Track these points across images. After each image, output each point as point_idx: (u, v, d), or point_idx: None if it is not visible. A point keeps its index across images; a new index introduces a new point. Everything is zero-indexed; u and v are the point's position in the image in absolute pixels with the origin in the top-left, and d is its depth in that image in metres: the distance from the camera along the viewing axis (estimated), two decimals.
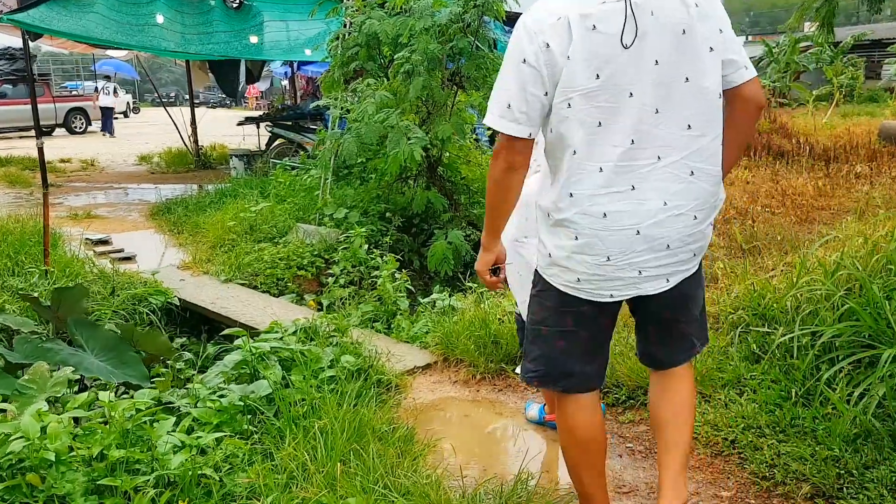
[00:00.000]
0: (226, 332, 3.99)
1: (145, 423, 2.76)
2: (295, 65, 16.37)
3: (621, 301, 2.18)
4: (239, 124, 13.53)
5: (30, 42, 7.37)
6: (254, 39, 11.79)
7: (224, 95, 22.80)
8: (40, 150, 11.53)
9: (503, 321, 4.45)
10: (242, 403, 3.06)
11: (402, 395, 3.79)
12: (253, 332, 4.46)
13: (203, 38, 9.58)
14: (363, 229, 6.60)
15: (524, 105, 1.98)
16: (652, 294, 2.13)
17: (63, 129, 23.54)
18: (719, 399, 3.41)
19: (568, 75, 1.93)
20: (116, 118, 26.24)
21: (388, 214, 7.61)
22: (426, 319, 4.71)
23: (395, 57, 7.10)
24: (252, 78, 16.56)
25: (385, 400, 3.56)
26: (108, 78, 27.24)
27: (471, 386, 3.92)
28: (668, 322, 2.27)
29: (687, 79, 1.98)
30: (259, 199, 8.23)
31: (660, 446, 2.35)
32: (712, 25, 2.01)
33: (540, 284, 2.23)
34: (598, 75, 1.93)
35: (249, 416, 3.12)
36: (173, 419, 2.83)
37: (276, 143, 12.25)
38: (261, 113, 15.76)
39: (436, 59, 7.03)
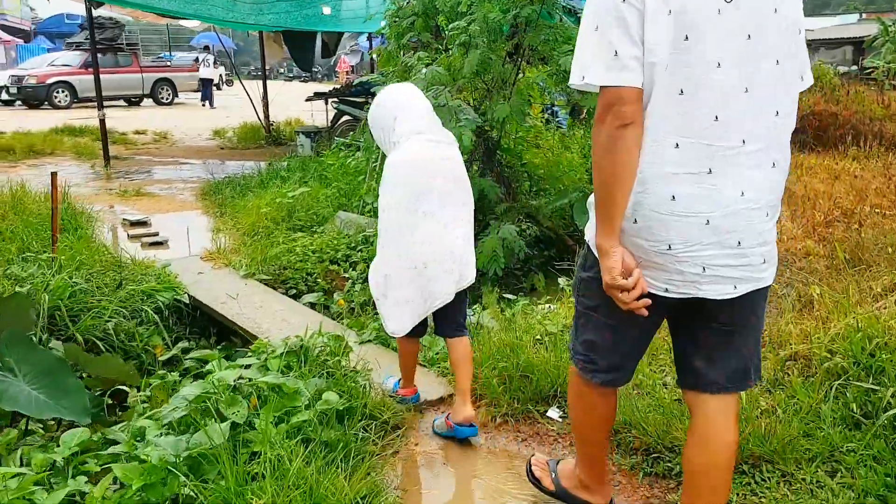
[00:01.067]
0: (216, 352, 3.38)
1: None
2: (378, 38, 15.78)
3: (678, 301, 1.93)
4: (307, 100, 13.03)
5: (116, 15, 6.96)
6: (326, 11, 11.22)
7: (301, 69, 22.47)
8: (102, 123, 11.58)
9: (540, 345, 3.71)
10: (176, 459, 2.44)
11: (403, 439, 3.11)
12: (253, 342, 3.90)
13: (261, 8, 9.04)
14: None
15: (634, 48, 1.77)
16: (713, 300, 1.89)
17: (150, 100, 23.76)
18: (803, 479, 2.59)
19: (658, 26, 1.76)
20: None
21: None
22: None
23: (450, 27, 6.36)
24: (328, 52, 16.08)
25: (372, 452, 2.89)
26: (206, 49, 27.51)
27: (488, 431, 3.20)
28: (729, 334, 2.00)
29: (777, 61, 1.85)
30: (299, 183, 7.65)
31: (690, 494, 2.11)
32: (798, 14, 1.90)
33: (594, 265, 2.00)
34: (686, 36, 1.77)
35: (193, 473, 2.50)
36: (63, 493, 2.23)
37: (342, 119, 11.68)
38: (330, 88, 15.21)
39: (497, 30, 6.25)
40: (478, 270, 3.32)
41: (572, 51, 6.33)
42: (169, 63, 26.06)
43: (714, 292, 1.88)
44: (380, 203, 3.02)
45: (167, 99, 24.27)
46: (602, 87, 1.80)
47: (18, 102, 21.70)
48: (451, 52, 6.66)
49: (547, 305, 5.26)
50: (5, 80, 21.62)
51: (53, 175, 5.02)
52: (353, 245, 6.07)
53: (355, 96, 11.94)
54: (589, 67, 1.80)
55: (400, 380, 3.37)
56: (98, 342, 4.47)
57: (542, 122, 8.76)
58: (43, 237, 5.46)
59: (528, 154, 7.50)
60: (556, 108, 9.74)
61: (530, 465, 2.65)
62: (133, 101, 23.72)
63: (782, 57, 1.85)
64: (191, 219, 7.66)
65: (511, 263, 6.19)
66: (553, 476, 2.58)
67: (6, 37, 31.58)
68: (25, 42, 33.87)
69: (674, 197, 1.81)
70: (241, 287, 5.02)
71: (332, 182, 7.42)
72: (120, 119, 16.84)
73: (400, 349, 3.29)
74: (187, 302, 4.81)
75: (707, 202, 1.81)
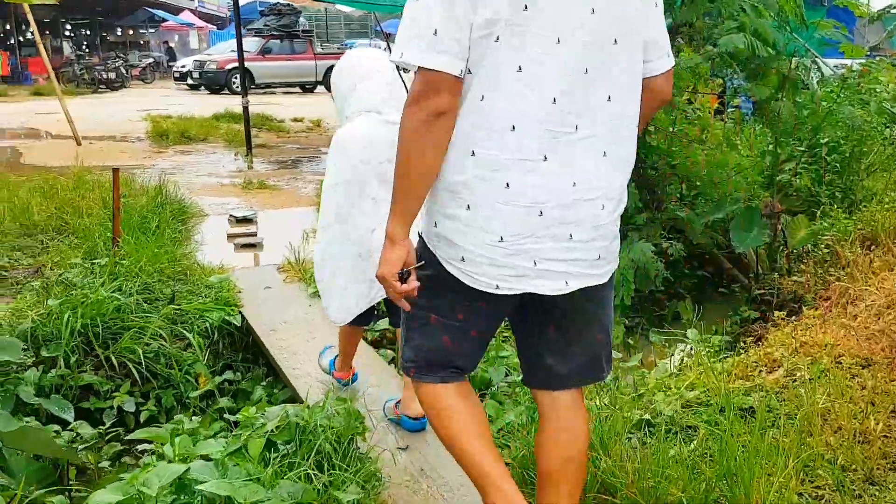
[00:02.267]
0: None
1: None
2: None
3: (514, 297, 1.82)
4: None
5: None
6: None
7: None
8: (245, 110, 11.45)
9: (646, 436, 2.65)
10: None
11: None
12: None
13: None
14: None
15: (455, 30, 1.63)
16: (547, 296, 1.80)
17: (323, 87, 24.07)
18: None
19: None
20: None
21: None
22: (523, 408, 2.99)
23: None
24: None
25: None
26: (388, 36, 27.63)
27: None
28: (571, 330, 1.91)
29: (616, 41, 1.73)
30: None
31: (547, 492, 1.98)
32: None
33: (430, 264, 1.83)
34: (525, 6, 1.64)
35: None
36: None
37: None
38: None
39: None
40: None
41: (737, 29, 5.14)
42: (348, 50, 26.28)
43: (546, 287, 1.79)
44: (325, 179, 2.85)
45: None
46: (419, 68, 1.66)
47: (203, 87, 22.68)
48: None
49: (679, 355, 4.10)
50: (190, 66, 22.66)
51: (115, 171, 4.51)
52: None
53: None
54: (407, 44, 1.67)
55: (336, 357, 3.31)
56: (134, 368, 3.89)
57: (711, 112, 7.39)
58: (131, 236, 5.00)
59: (685, 152, 6.23)
60: (743, 96, 8.27)
61: None
62: (307, 88, 24.13)
63: (623, 38, 1.74)
64: (303, 216, 7.06)
65: (645, 290, 5.05)
66: None
67: (200, 23, 33.48)
68: (220, 29, 35.80)
69: (508, 185, 1.71)
70: (302, 310, 4.26)
71: None
72: (284, 106, 16.98)
73: (340, 331, 3.14)
74: (238, 324, 4.12)
75: (542, 192, 1.72)
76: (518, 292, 1.79)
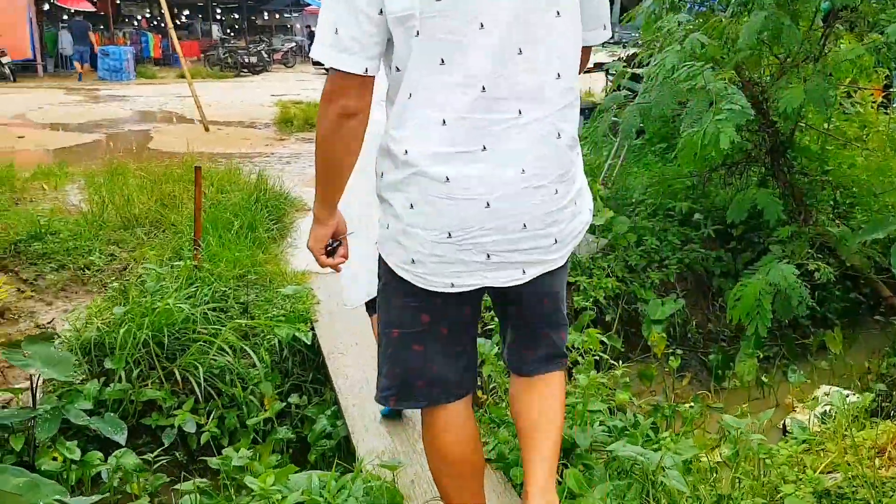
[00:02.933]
0: None
1: None
2: None
3: (471, 292, 1.77)
4: (586, 72, 11.46)
5: None
6: None
7: None
8: None
9: None
10: None
11: None
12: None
13: None
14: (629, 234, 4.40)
15: (355, 28, 1.58)
16: (505, 287, 1.77)
17: None
18: None
19: None
20: None
21: (696, 217, 5.17)
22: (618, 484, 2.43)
23: None
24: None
25: None
26: None
27: None
28: (530, 324, 1.92)
29: (558, 13, 1.65)
30: None
31: (525, 453, 1.95)
32: None
33: (385, 274, 1.82)
34: None
35: None
36: None
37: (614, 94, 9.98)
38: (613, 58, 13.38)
39: None
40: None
41: None
42: None
43: (501, 279, 1.75)
44: None
45: None
46: (328, 67, 1.60)
47: None
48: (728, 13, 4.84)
49: (822, 408, 3.40)
50: None
51: (197, 170, 4.26)
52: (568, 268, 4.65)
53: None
54: (317, 42, 1.61)
55: None
56: (197, 385, 3.62)
57: (874, 108, 6.39)
58: (216, 236, 4.78)
59: (841, 155, 5.36)
60: None
61: None
62: None
63: (565, 10, 1.64)
64: None
65: (785, 320, 4.32)
66: None
67: None
68: None
69: (447, 178, 1.64)
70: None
71: None
72: None
73: (372, 328, 2.89)
74: (308, 342, 3.76)
75: (484, 183, 1.65)
76: (473, 288, 1.76)
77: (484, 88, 1.61)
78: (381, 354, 1.90)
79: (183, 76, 21.52)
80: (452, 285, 1.73)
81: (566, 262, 1.87)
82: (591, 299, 4.57)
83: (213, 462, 2.99)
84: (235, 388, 3.59)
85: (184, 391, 3.63)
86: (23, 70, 20.26)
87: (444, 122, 1.62)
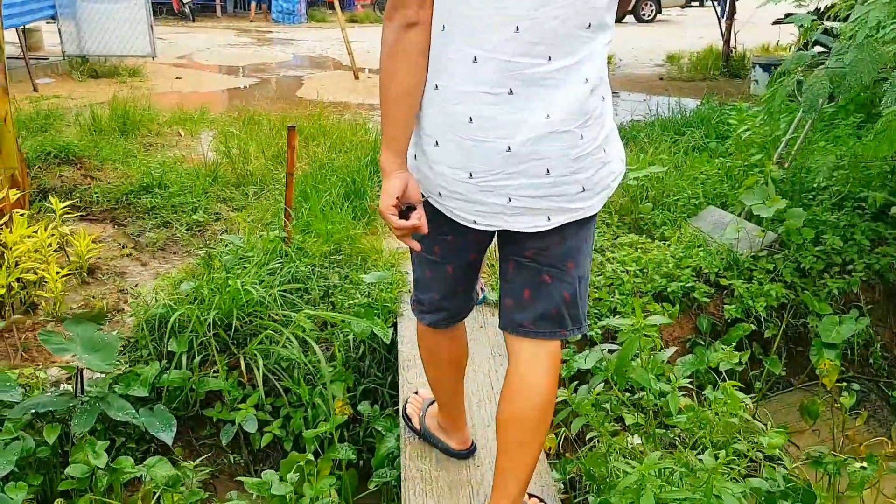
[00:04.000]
0: None
1: None
2: None
3: (491, 234, 1.86)
4: (775, 23, 10.07)
5: None
6: None
7: None
8: None
9: None
10: None
11: None
12: None
13: None
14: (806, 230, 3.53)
15: None
16: (524, 233, 1.75)
17: (631, 17, 22.24)
18: None
19: None
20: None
21: (894, 212, 4.17)
22: None
23: None
24: None
25: None
26: None
27: None
28: (538, 272, 1.84)
29: None
30: (685, 147, 5.36)
31: (499, 449, 1.96)
32: None
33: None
34: None
35: None
36: None
37: (815, 50, 8.63)
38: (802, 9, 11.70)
39: None
40: None
41: None
42: None
43: (523, 224, 1.74)
44: None
45: (649, 16, 22.47)
46: None
47: None
48: None
49: None
50: None
51: (290, 130, 3.79)
52: (713, 268, 3.84)
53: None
54: None
55: None
56: (263, 378, 3.21)
57: None
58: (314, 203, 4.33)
59: None
60: None
61: (406, 402, 2.66)
62: (617, 19, 22.45)
63: None
64: None
65: None
66: (421, 415, 2.56)
67: None
68: None
69: (471, 119, 1.65)
70: (476, 342, 3.23)
71: (722, 153, 5.04)
72: None
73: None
74: (387, 342, 3.23)
75: (508, 127, 1.64)
76: (494, 229, 1.79)
77: (517, 29, 1.57)
78: (412, 267, 2.08)
79: (354, 20, 21.63)
80: (475, 222, 1.76)
81: (589, 226, 1.83)
82: (748, 309, 3.74)
83: (250, 485, 2.55)
84: (301, 387, 3.14)
85: (251, 382, 3.24)
86: (202, 10, 21.00)
87: (476, 59, 1.60)
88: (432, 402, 2.54)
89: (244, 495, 2.82)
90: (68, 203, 4.36)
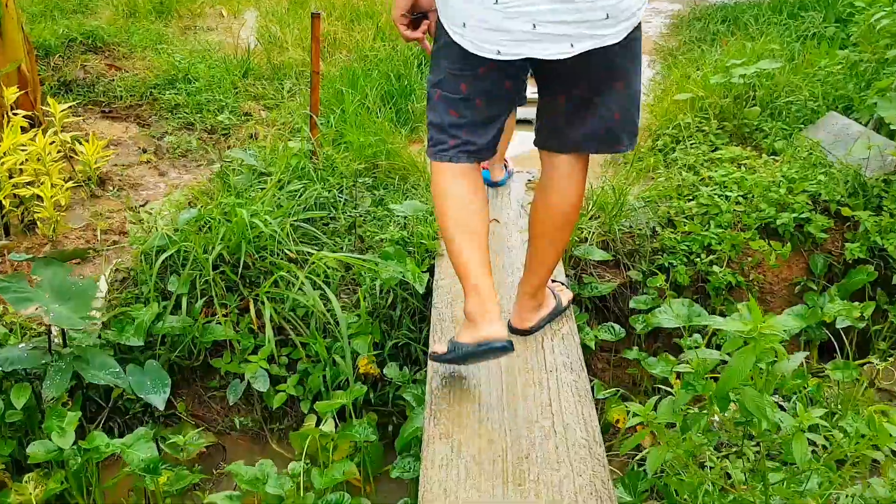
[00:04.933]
0: None
1: None
2: None
3: (524, 63, 1.85)
4: None
5: None
6: None
7: None
8: None
9: None
10: None
11: None
12: None
13: None
14: None
15: None
16: (554, 62, 1.75)
17: None
18: None
19: None
20: None
21: None
22: None
23: None
24: None
25: None
26: None
27: None
28: (582, 99, 1.91)
29: None
30: (783, 41, 4.39)
31: (530, 244, 2.13)
32: None
33: (442, 36, 1.89)
34: None
35: None
36: None
37: None
38: None
39: None
40: None
41: None
42: None
43: (548, 52, 1.74)
44: None
45: None
46: None
47: None
48: None
49: None
50: None
51: (314, 18, 3.11)
52: (833, 196, 3.08)
53: None
54: None
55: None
56: (284, 324, 2.70)
57: None
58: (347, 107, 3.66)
59: None
60: None
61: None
62: None
63: None
64: None
65: None
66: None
67: None
68: None
69: None
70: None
71: (845, 43, 4.10)
72: None
73: None
74: (422, 291, 2.63)
75: None
76: (519, 58, 1.77)
77: None
78: (428, 108, 2.00)
79: None
80: (499, 52, 1.76)
81: (630, 53, 1.84)
82: (874, 247, 3.00)
83: (241, 480, 2.07)
84: (318, 341, 2.62)
85: (263, 330, 2.73)
86: None
87: None
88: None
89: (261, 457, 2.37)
90: (76, 102, 3.83)
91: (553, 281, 2.35)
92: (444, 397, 2.07)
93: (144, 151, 4.10)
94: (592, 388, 2.22)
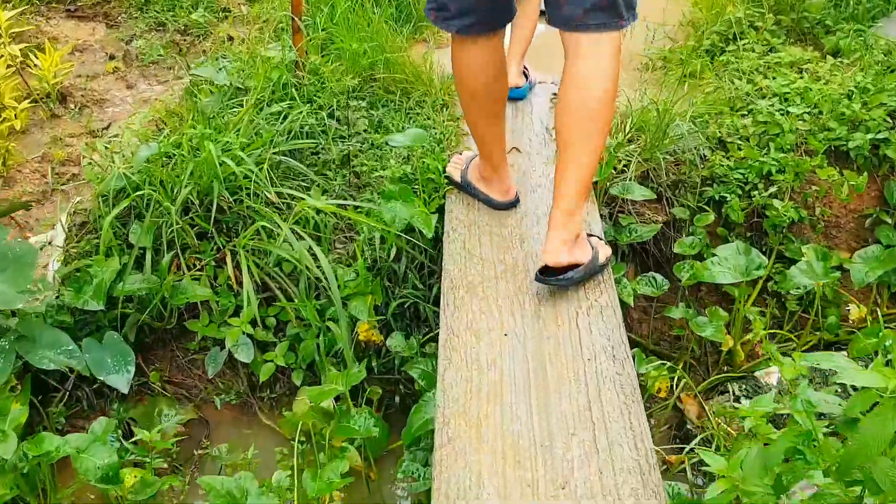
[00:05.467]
0: None
1: None
2: None
3: None
4: None
5: None
6: None
7: None
8: None
9: None
10: None
11: None
12: None
13: None
14: None
15: None
16: None
17: None
18: None
19: None
20: None
21: None
22: None
23: None
24: None
25: None
26: None
27: None
28: None
29: None
30: None
31: (559, 148, 1.91)
32: None
33: None
34: None
35: None
36: None
37: None
38: None
39: None
40: None
41: None
42: None
43: None
44: None
45: None
46: None
47: None
48: None
49: None
50: None
51: None
52: None
53: None
54: None
55: None
56: (269, 279, 2.30)
57: None
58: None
59: None
60: None
61: (447, 164, 2.39)
62: None
63: None
64: None
65: None
66: (463, 168, 2.32)
67: None
68: None
69: None
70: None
71: None
72: None
73: None
74: (429, 235, 2.20)
75: None
76: None
77: None
78: None
79: None
80: None
81: None
82: None
83: (216, 496, 1.72)
84: (307, 303, 2.22)
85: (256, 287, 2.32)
86: None
87: None
88: (474, 157, 2.29)
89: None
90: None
91: (590, 236, 2.05)
92: (458, 397, 1.68)
93: (112, 58, 3.57)
94: (633, 357, 1.83)
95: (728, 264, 2.24)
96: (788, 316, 2.48)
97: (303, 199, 2.27)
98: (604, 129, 1.85)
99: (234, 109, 2.59)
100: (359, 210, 2.29)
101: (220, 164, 2.25)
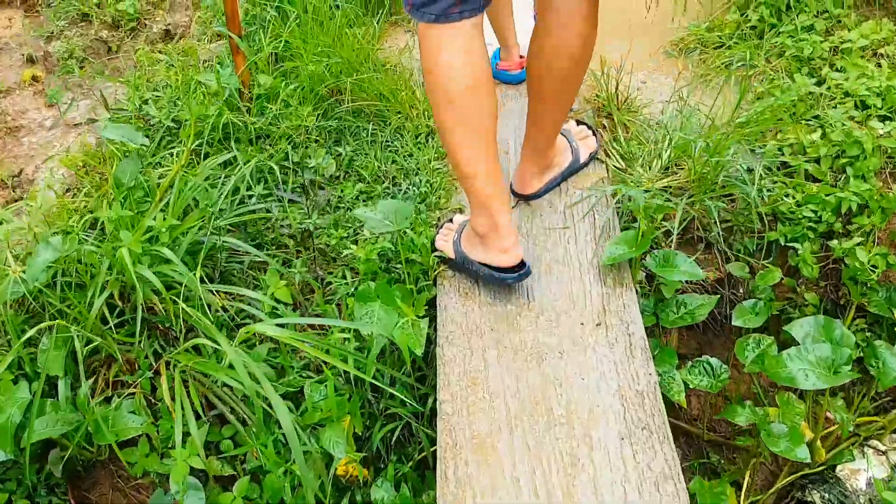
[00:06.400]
0: None
1: None
2: None
3: None
4: None
5: None
6: None
7: None
8: None
9: None
10: None
11: None
12: None
13: None
14: None
15: None
16: None
17: None
18: None
19: None
20: None
21: None
22: None
23: None
24: None
25: None
26: None
27: None
28: None
29: None
30: None
31: (530, 97, 1.79)
32: None
33: None
34: None
35: None
36: None
37: None
38: None
39: None
40: None
41: None
42: None
43: None
44: None
45: None
46: None
47: None
48: None
49: None
50: None
51: None
52: None
53: None
54: None
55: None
56: (217, 403, 1.81)
57: None
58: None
59: None
60: None
61: (435, 237, 1.90)
62: None
63: None
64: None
65: None
66: (456, 238, 1.84)
67: None
68: None
69: None
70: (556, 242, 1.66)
71: None
72: None
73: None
74: (419, 352, 1.68)
75: None
76: None
77: None
78: None
79: None
80: None
81: None
82: None
83: None
84: (264, 437, 1.73)
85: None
86: None
87: None
88: (467, 221, 1.82)
89: None
90: None
91: (579, 123, 2.08)
92: None
93: (30, 62, 2.97)
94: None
95: (809, 356, 1.72)
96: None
97: (252, 303, 1.73)
98: (575, 89, 1.76)
99: (171, 153, 2.02)
100: (327, 330, 1.76)
101: (140, 269, 1.71)
